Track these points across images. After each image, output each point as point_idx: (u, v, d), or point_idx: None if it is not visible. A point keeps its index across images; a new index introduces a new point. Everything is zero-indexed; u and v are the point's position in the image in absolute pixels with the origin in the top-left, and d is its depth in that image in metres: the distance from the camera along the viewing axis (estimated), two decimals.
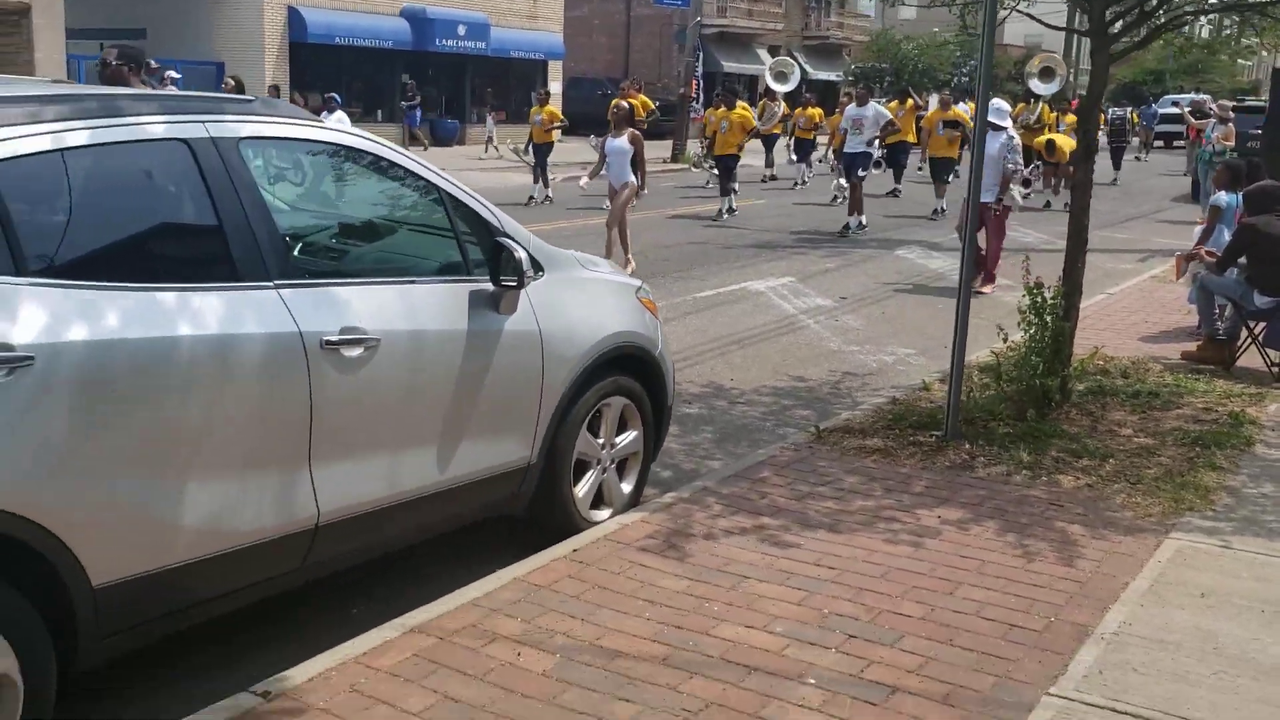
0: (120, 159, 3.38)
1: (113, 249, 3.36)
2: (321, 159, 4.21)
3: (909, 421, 6.46)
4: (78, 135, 3.23)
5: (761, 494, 5.33)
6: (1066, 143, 19.47)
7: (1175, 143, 37.67)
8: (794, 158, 24.30)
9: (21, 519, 2.93)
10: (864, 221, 16.20)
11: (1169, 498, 5.32)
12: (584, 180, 13.55)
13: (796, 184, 23.09)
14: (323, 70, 30.77)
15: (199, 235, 3.54)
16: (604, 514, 5.06)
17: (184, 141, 3.49)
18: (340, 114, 17.23)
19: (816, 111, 23.67)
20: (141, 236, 3.47)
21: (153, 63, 25.01)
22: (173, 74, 23.61)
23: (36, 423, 2.98)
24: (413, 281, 4.19)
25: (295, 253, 3.90)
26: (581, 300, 4.85)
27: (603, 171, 12.60)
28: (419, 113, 30.96)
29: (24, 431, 2.95)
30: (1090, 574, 4.49)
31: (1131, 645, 3.87)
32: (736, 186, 17.82)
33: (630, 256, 12.05)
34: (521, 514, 4.81)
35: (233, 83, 23.20)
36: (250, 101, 3.91)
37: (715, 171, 19.76)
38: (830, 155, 23.09)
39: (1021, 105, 21.65)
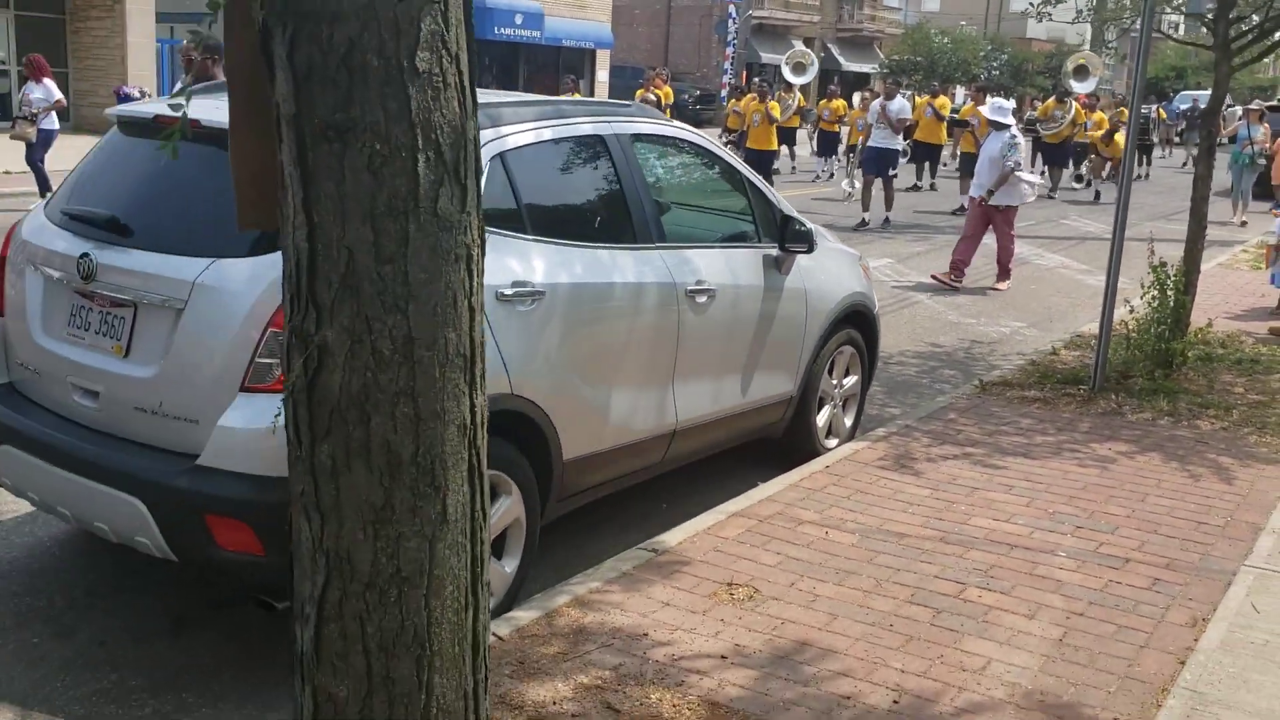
0: (568, 149, 4.51)
1: (570, 216, 4.49)
2: (670, 150, 5.33)
3: (1054, 378, 7.57)
4: (546, 131, 4.37)
5: (956, 430, 6.46)
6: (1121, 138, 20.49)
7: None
8: (817, 150, 24.17)
9: (531, 402, 4.07)
10: (868, 219, 15.96)
11: None
12: None
13: (818, 177, 22.98)
14: None
15: (616, 209, 4.66)
16: (834, 443, 6.20)
17: (600, 138, 4.63)
18: None
19: (840, 104, 22.86)
20: (585, 208, 4.60)
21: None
22: None
23: (542, 337, 4.11)
24: (729, 247, 5.32)
25: (664, 223, 5.02)
26: (829, 265, 5.97)
27: None
28: None
29: (536, 343, 4.09)
30: (1247, 490, 5.62)
31: None
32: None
33: None
34: (778, 437, 5.93)
35: None
36: (630, 105, 5.05)
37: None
38: (848, 150, 21.96)
39: (1051, 102, 21.80)
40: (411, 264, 1.76)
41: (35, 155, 13.74)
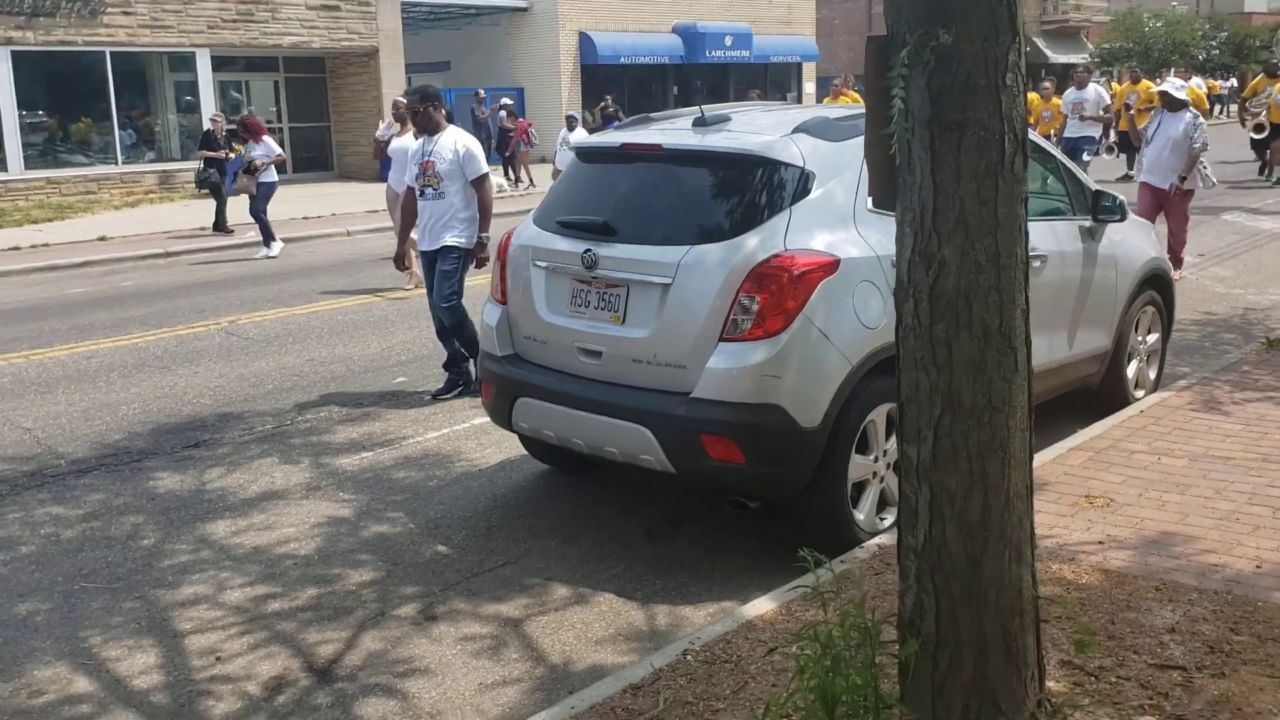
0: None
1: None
2: None
3: None
4: None
5: (1253, 380, 7.11)
6: None
7: None
8: None
9: None
10: None
11: None
12: None
13: None
14: (606, 87, 33.68)
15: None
16: (1140, 393, 6.97)
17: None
18: (580, 130, 19.60)
19: (1033, 96, 22.07)
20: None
21: (481, 92, 28.31)
22: (505, 100, 26.80)
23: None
24: (1054, 219, 6.20)
25: None
26: (1129, 233, 6.76)
27: None
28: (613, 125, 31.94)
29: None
30: None
31: None
32: None
33: None
34: (1095, 388, 6.75)
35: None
36: None
37: None
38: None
39: (1261, 79, 20.72)
40: (1000, 205, 2.79)
41: (257, 207, 14.88)
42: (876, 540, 4.82)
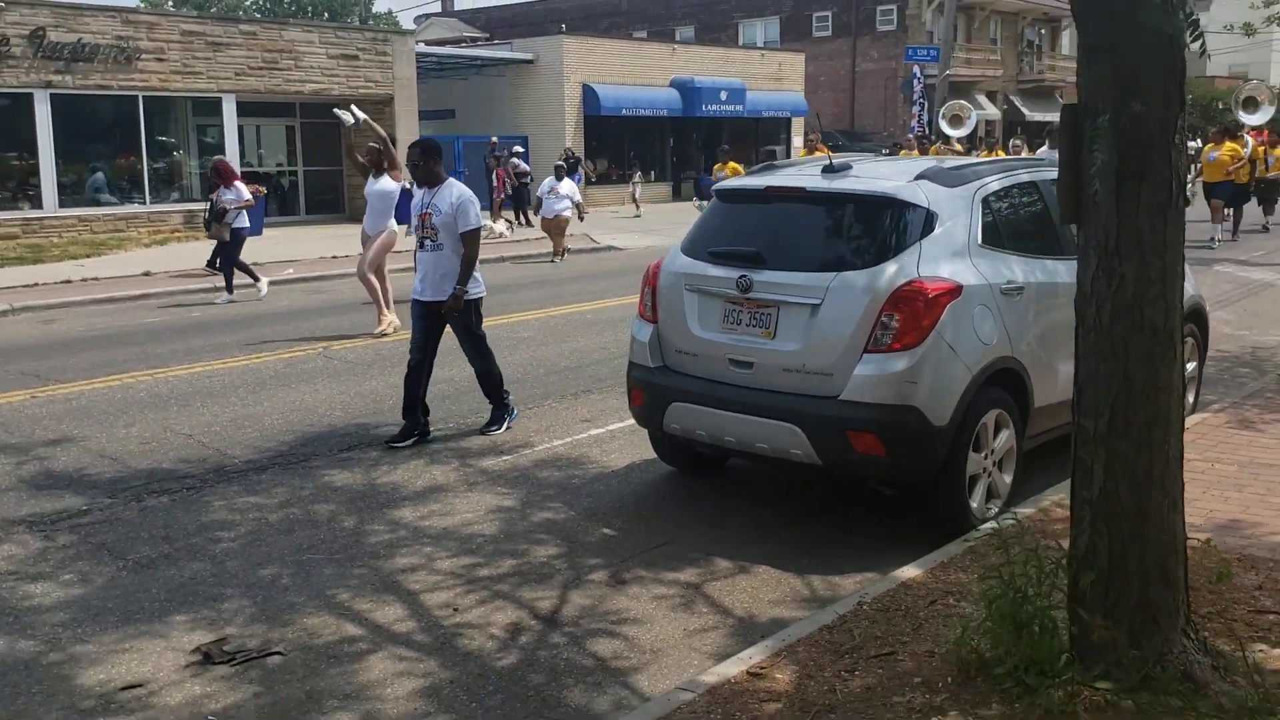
0: (1016, 192, 6.45)
1: (1027, 235, 6.42)
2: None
3: None
4: (1003, 182, 6.33)
5: (1278, 404, 8.07)
6: None
7: None
8: None
9: (1018, 361, 5.96)
10: None
11: None
12: None
13: None
14: (607, 138, 34.83)
15: (1048, 230, 6.55)
16: None
17: (1034, 183, 6.56)
18: (567, 181, 19.67)
19: (1000, 153, 22.69)
20: (1033, 230, 6.52)
21: (495, 139, 29.26)
22: (518, 148, 27.77)
23: (1022, 317, 6.02)
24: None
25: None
26: None
27: None
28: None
29: (1019, 321, 6.00)
30: None
31: None
32: None
33: None
34: None
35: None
36: (1043, 159, 6.98)
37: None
38: None
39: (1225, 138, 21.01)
40: (1169, 234, 3.69)
41: (229, 254, 14.82)
42: (988, 525, 5.68)
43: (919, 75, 43.45)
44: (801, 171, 6.51)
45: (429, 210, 7.65)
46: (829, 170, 6.21)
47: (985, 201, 6.16)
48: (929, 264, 5.65)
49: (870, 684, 4.08)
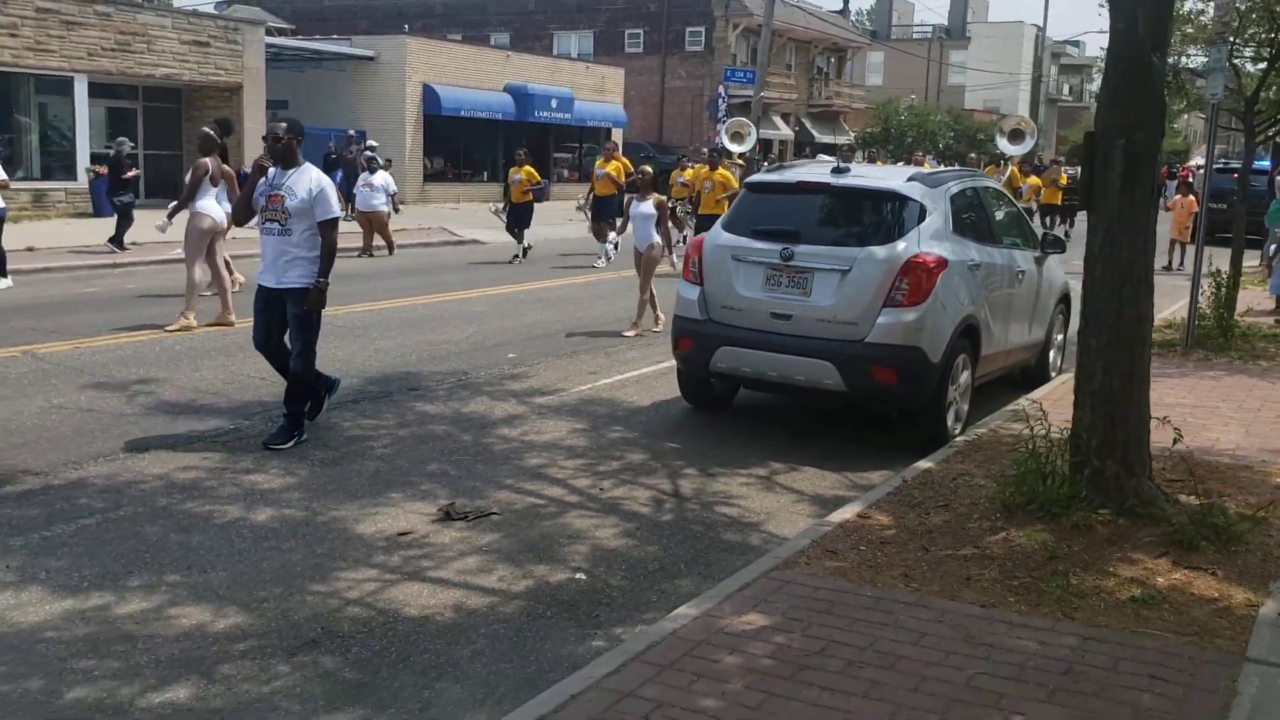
0: (968, 195, 8.55)
1: (978, 228, 8.51)
2: (990, 195, 9.28)
3: (1160, 344, 11.74)
4: (960, 185, 8.42)
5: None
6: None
7: None
8: None
9: (976, 319, 8.04)
10: None
11: None
12: None
13: None
14: (444, 137, 35.90)
15: (986, 223, 8.69)
16: (1054, 373, 10.23)
17: (975, 188, 8.69)
18: (381, 173, 20.12)
19: None
20: (980, 224, 8.62)
21: (352, 132, 29.96)
22: (372, 143, 28.62)
23: (979, 287, 8.10)
24: (1020, 249, 9.29)
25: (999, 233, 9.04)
26: (1053, 265, 10.03)
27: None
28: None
29: (977, 290, 8.07)
30: None
31: None
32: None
33: (659, 314, 12.25)
34: (1031, 366, 9.92)
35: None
36: (978, 172, 9.10)
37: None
38: None
39: (991, 167, 24.72)
40: (1149, 220, 5.75)
41: None
42: (960, 438, 7.69)
43: (724, 95, 46.58)
44: (814, 171, 8.42)
45: (281, 192, 7.21)
46: (837, 170, 8.12)
47: (952, 199, 8.20)
48: (926, 243, 7.63)
49: (946, 519, 5.97)
